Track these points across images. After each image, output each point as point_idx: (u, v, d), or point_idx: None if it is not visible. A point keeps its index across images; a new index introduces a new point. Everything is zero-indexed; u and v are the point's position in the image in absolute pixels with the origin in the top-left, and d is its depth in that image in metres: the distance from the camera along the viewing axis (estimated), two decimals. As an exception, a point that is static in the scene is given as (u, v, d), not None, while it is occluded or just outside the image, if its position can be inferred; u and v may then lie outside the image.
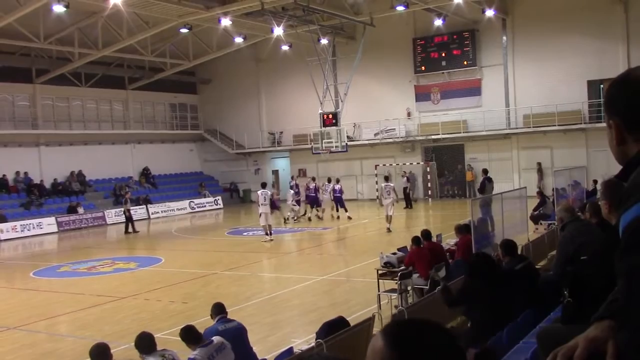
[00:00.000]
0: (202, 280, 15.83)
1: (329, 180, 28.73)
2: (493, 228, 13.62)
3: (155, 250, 22.59)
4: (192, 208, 36.07)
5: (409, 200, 30.42)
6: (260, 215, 21.93)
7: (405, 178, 31.59)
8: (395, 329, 1.37)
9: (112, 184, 35.62)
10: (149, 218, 33.60)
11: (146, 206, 34.14)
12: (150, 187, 37.34)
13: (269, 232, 21.89)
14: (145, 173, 37.97)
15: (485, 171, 20.96)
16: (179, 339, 6.76)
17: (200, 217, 34.32)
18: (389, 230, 22.15)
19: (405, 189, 30.69)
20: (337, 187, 27.75)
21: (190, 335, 6.62)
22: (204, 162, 42.31)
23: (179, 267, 18.07)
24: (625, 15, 29.28)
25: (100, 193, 34.73)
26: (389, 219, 22.51)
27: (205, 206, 36.58)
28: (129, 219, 27.93)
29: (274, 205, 24.82)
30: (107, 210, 32.58)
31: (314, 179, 29.23)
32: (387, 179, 24.14)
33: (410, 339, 1.33)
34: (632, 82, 1.59)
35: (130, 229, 27.65)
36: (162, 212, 34.53)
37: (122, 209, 29.04)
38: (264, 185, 23.17)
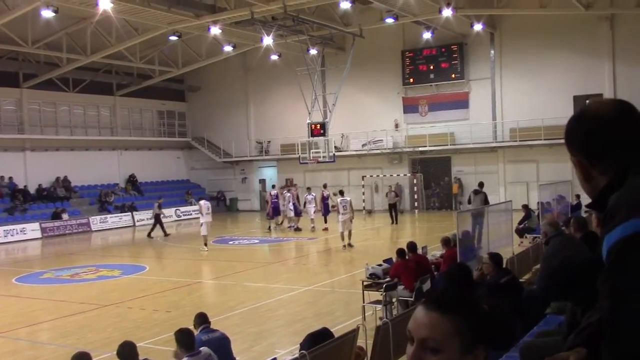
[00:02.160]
0: (186, 289, 15.74)
1: (308, 189, 29.13)
2: (480, 240, 13.70)
3: (139, 258, 22.44)
4: (178, 216, 35.92)
5: (395, 216, 28.75)
6: (202, 225, 22.09)
7: (393, 193, 30.17)
8: (444, 298, 1.47)
9: (97, 191, 35.39)
10: (134, 225, 33.39)
11: (131, 213, 33.94)
12: (136, 194, 37.15)
13: (206, 243, 22.17)
14: (132, 180, 37.78)
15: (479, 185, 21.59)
16: (162, 348, 6.72)
17: (186, 225, 34.16)
18: (350, 245, 21.05)
19: (392, 205, 29.09)
20: (326, 194, 27.74)
21: (185, 338, 6.58)
22: (191, 170, 42.18)
23: (163, 275, 17.97)
24: (611, 32, 29.68)
25: (86, 199, 34.49)
26: (346, 235, 21.20)
27: (191, 214, 36.39)
28: (159, 222, 27.61)
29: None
30: (92, 217, 32.35)
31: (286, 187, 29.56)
32: (342, 193, 23.34)
33: (464, 302, 1.46)
34: (589, 117, 1.63)
35: (151, 233, 27.38)
36: (147, 219, 34.30)
37: (152, 212, 28.41)
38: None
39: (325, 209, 27.68)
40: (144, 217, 34.29)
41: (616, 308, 1.39)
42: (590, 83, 30.09)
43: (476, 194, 20.86)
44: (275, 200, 27.61)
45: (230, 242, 24.75)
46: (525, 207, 20.06)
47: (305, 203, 28.32)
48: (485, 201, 20.09)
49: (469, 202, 20.86)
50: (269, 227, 27.76)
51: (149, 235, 27.32)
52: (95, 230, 31.67)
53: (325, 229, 26.14)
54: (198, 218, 28.44)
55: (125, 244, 28.31)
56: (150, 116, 40.65)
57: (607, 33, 29.69)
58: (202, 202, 22.97)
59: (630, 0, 26.77)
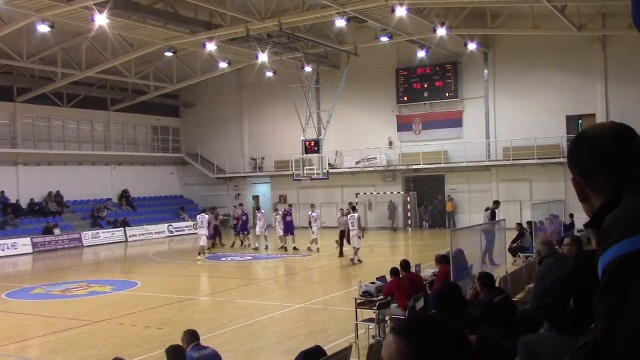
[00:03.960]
0: (178, 305, 15.64)
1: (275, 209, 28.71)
2: (491, 257, 14.24)
3: (131, 274, 22.30)
4: (171, 232, 35.78)
5: (341, 246, 23.67)
6: (201, 236, 24.55)
7: (345, 218, 23.27)
8: (407, 327, 1.54)
9: (90, 206, 35.25)
10: (126, 241, 33.22)
11: (124, 229, 33.79)
12: (129, 209, 37.01)
13: (202, 252, 24.38)
14: (125, 195, 37.67)
15: (495, 203, 22.29)
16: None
17: (178, 241, 34.02)
18: (357, 261, 21.31)
19: (342, 233, 23.57)
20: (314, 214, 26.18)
21: (176, 356, 6.52)
22: (184, 185, 42.11)
23: (155, 291, 17.84)
24: (604, 53, 29.97)
25: (78, 214, 34.33)
26: (356, 251, 21.54)
27: (184, 230, 36.29)
28: (218, 233, 28.17)
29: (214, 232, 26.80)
30: (84, 232, 32.18)
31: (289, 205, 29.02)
32: (354, 209, 23.32)
33: (423, 334, 1.51)
34: (585, 138, 1.68)
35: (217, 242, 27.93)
36: (140, 235, 34.19)
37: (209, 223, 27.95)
38: (203, 210, 26.71)
39: (287, 226, 26.20)
40: (137, 232, 34.18)
41: (611, 328, 1.39)
42: (582, 103, 30.35)
43: (486, 210, 21.71)
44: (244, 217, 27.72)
45: (223, 259, 24.63)
46: (519, 226, 20.10)
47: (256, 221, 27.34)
48: (492, 217, 20.59)
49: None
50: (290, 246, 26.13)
51: (220, 243, 28.14)
52: (87, 246, 31.48)
53: (309, 249, 25.31)
54: (190, 234, 28.42)
55: (117, 260, 28.13)
56: (144, 131, 40.63)
57: (599, 54, 29.99)
58: (198, 216, 25.46)
59: (623, 21, 27.01)
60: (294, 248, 25.59)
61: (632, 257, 1.40)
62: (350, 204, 25.65)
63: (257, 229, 26.85)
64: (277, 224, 26.65)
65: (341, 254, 23.17)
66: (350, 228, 21.86)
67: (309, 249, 25.25)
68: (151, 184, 39.40)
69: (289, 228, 26.19)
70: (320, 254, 24.55)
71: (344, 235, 23.29)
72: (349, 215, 22.48)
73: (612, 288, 1.41)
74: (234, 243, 27.98)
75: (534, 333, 4.46)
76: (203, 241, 24.53)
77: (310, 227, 25.26)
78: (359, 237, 21.67)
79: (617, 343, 1.37)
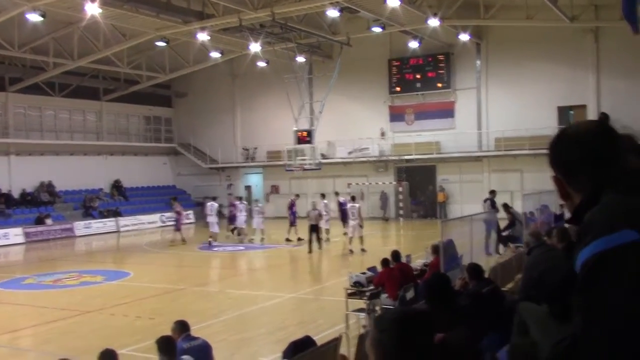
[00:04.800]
0: (170, 295, 15.65)
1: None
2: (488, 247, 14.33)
3: (123, 264, 22.29)
4: (163, 222, 35.70)
5: (318, 240, 22.64)
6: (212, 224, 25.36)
7: (317, 211, 22.88)
8: (380, 319, 1.86)
9: (82, 196, 35.13)
10: (118, 231, 33.17)
11: (116, 219, 33.72)
12: (122, 199, 36.93)
13: (214, 239, 25.10)
14: (117, 185, 37.56)
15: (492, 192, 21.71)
16: (144, 355, 6.66)
17: (171, 231, 33.94)
18: (363, 250, 21.39)
19: (313, 227, 22.39)
20: (342, 200, 26.60)
21: (167, 346, 6.52)
22: (177, 175, 42.02)
23: (147, 281, 17.85)
24: (596, 45, 30.00)
25: (70, 204, 34.22)
26: (357, 240, 21.71)
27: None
28: (232, 219, 27.27)
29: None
30: (76, 222, 32.10)
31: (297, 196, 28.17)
32: (353, 199, 23.58)
33: (388, 325, 1.76)
34: (566, 136, 1.71)
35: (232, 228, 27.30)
36: (132, 225, 34.13)
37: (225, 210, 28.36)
38: (214, 198, 27.49)
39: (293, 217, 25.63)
40: (129, 222, 34.11)
41: (587, 324, 1.42)
42: (574, 94, 30.42)
43: (485, 202, 21.71)
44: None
45: (215, 249, 24.63)
46: (506, 208, 19.99)
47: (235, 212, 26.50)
48: (492, 206, 20.66)
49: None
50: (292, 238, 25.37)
51: (232, 231, 27.14)
52: (79, 236, 31.41)
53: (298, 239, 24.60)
54: (183, 224, 28.37)
55: (109, 250, 28.10)
56: (137, 121, 40.49)
57: (591, 45, 30.03)
58: (208, 203, 26.23)
59: (615, 13, 27.01)
60: (298, 239, 24.49)
61: (610, 254, 1.43)
62: (350, 195, 25.42)
63: (254, 222, 26.49)
64: (256, 215, 26.30)
65: (310, 250, 21.96)
66: (351, 218, 22.08)
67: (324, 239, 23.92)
68: (143, 174, 39.29)
69: (294, 219, 25.40)
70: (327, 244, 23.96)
71: (313, 230, 22.17)
72: (349, 205, 22.71)
73: (590, 284, 1.44)
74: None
75: (526, 337, 4.50)
76: (215, 228, 25.29)
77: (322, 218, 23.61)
78: (361, 227, 21.95)
79: (594, 338, 1.41)
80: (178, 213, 27.32)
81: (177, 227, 27.03)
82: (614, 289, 1.40)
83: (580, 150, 1.64)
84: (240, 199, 28.03)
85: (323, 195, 25.80)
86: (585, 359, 1.43)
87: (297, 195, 28.02)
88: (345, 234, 23.83)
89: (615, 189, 1.56)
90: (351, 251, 21.58)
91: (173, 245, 26.07)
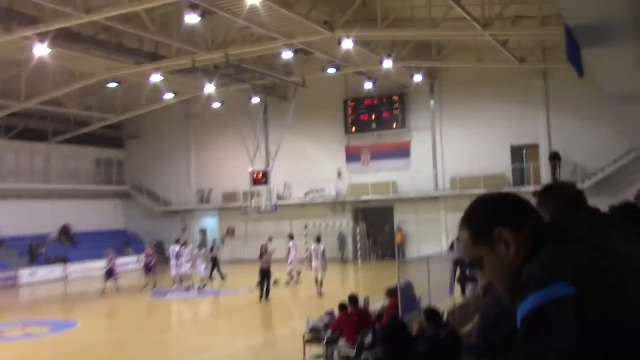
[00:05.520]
0: (119, 345, 15.17)
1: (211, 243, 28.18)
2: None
3: (70, 313, 21.58)
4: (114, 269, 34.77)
5: (266, 289, 21.36)
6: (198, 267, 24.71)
7: (267, 252, 22.51)
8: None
9: (28, 242, 34.04)
10: (66, 278, 32.16)
11: (64, 265, 32.74)
12: (70, 245, 35.96)
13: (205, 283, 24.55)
14: (65, 230, 36.62)
15: None
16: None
17: (122, 277, 33.10)
18: (319, 294, 21.22)
19: (265, 273, 21.44)
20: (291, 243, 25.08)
21: None
22: (129, 219, 41.25)
23: (95, 331, 17.29)
24: (545, 84, 31.12)
25: (15, 251, 33.10)
26: (318, 282, 21.69)
27: (128, 265, 35.37)
28: (216, 265, 26.99)
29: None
30: (21, 270, 31.05)
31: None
32: (318, 239, 23.70)
33: None
34: (483, 202, 1.84)
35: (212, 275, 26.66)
36: (80, 271, 33.18)
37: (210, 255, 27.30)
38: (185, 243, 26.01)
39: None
40: (77, 269, 33.15)
41: None
42: (526, 133, 31.30)
43: (459, 241, 21.01)
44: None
45: (168, 295, 24.08)
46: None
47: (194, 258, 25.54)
48: None
49: (452, 248, 20.73)
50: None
51: (210, 277, 26.31)
52: (24, 284, 30.34)
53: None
54: (134, 270, 27.63)
55: (56, 298, 27.19)
56: (87, 164, 39.73)
57: (540, 85, 31.11)
58: (183, 247, 25.35)
59: (562, 54, 27.96)
60: (274, 282, 23.04)
61: (549, 307, 1.45)
62: (316, 237, 24.65)
63: (198, 267, 25.31)
64: (198, 262, 25.28)
65: (261, 296, 21.03)
66: (314, 259, 22.08)
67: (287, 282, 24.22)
68: (93, 218, 38.41)
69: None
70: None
71: (265, 275, 21.30)
72: (313, 247, 22.73)
73: (528, 338, 1.46)
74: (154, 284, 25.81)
75: None
76: (202, 271, 24.96)
77: (288, 259, 24.28)
78: (323, 270, 21.79)
79: None
80: (150, 255, 26.58)
81: (150, 270, 26.04)
82: (554, 342, 1.41)
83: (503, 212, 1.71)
84: (184, 243, 26.20)
85: (291, 237, 25.53)
86: None
87: (270, 239, 25.40)
88: (290, 277, 24.08)
89: (552, 239, 1.60)
90: (320, 294, 21.20)
91: (144, 289, 25.23)
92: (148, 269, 26.28)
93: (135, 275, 33.95)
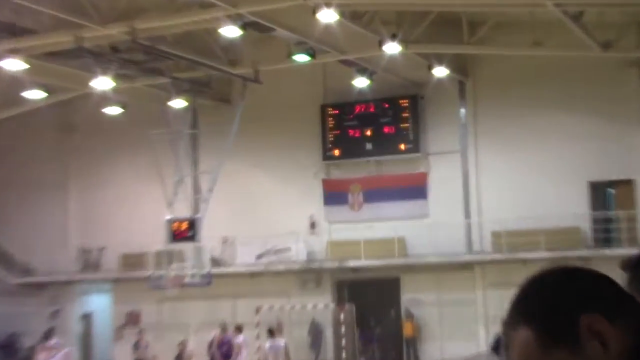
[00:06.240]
0: None
1: None
2: None
3: None
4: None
5: None
6: None
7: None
8: None
9: None
10: None
11: None
12: None
13: None
14: None
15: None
16: None
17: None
18: None
19: None
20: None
21: None
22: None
23: None
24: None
25: None
26: None
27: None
28: None
29: None
30: None
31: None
32: (271, 333, 23.56)
33: None
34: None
35: None
36: None
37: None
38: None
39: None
40: None
41: None
42: (614, 163, 31.23)
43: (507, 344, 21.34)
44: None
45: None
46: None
47: None
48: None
49: (496, 348, 20.67)
50: None
51: None
52: None
53: None
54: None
55: None
56: None
57: (636, 86, 31.18)
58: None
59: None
60: None
61: None
62: (270, 329, 25.32)
63: None
64: None
65: None
66: None
67: None
68: None
69: None
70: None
71: None
72: (268, 346, 23.27)
73: None
74: None
75: None
76: None
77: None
78: None
79: None
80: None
81: None
82: None
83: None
84: (47, 337, 26.95)
85: (239, 329, 26.31)
86: None
87: (224, 329, 27.39)
88: None
89: None
90: None
91: None
92: None
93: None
